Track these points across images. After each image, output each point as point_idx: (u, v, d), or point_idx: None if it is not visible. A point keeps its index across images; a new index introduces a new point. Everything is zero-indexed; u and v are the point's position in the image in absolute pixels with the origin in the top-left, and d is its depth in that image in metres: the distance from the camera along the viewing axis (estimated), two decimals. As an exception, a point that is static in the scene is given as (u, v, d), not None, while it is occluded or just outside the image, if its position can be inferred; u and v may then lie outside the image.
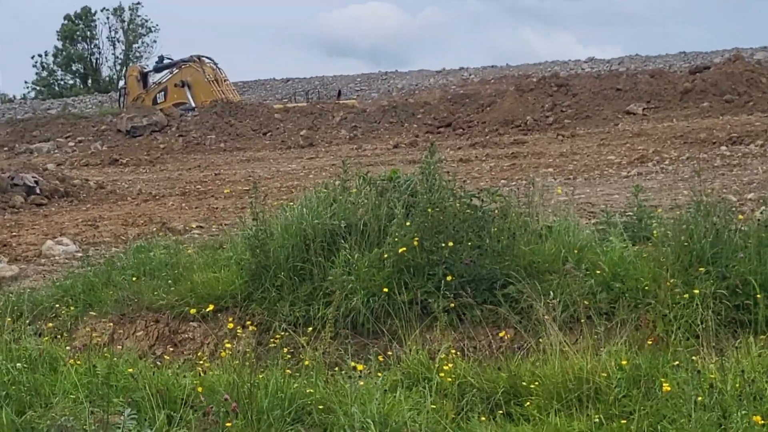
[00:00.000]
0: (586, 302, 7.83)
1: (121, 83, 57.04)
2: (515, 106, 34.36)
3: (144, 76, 48.44)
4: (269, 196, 15.42)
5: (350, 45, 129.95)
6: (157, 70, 48.69)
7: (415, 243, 8.40)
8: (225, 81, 44.95)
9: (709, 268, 7.76)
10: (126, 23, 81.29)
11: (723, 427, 5.83)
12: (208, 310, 8.88)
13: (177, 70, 45.26)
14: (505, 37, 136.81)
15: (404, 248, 8.37)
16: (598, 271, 8.19)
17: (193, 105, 42.22)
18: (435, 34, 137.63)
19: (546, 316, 7.40)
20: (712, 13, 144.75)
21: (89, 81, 78.48)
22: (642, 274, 8.10)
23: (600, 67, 49.82)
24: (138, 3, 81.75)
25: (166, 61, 47.70)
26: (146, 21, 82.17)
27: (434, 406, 6.54)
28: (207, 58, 45.24)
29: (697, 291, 7.44)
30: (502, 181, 17.40)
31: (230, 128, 37.01)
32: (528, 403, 6.74)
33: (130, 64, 63.84)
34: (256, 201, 9.49)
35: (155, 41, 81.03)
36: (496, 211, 9.20)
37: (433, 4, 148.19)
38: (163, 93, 45.25)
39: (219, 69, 45.02)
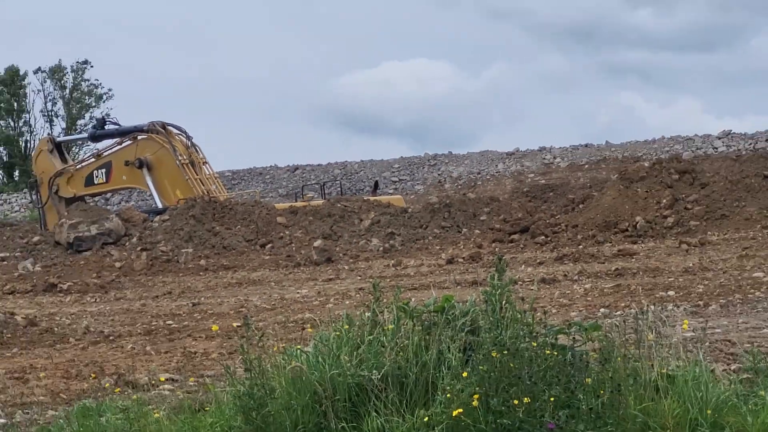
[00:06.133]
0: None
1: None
2: (620, 202, 34.48)
3: (58, 147, 47.68)
4: (269, 336, 15.45)
5: (384, 118, 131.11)
6: (93, 138, 47.86)
7: (475, 403, 8.40)
8: (205, 164, 44.32)
9: None
10: (68, 90, 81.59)
11: None
12: (184, 501, 8.92)
13: (130, 142, 44.19)
14: (602, 103, 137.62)
15: (460, 410, 8.37)
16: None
17: (161, 206, 41.94)
18: (503, 102, 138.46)
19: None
20: None
21: (16, 173, 78.81)
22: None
23: (740, 145, 49.98)
24: (85, 62, 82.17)
25: (110, 127, 46.81)
26: (96, 87, 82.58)
27: None
28: (176, 128, 44.28)
29: None
30: (603, 310, 17.40)
31: (214, 238, 37.28)
32: None
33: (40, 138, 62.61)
34: (249, 343, 9.55)
35: (108, 114, 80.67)
36: (594, 354, 9.21)
37: (500, 59, 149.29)
38: (104, 171, 44.59)
39: (196, 148, 44.16)
